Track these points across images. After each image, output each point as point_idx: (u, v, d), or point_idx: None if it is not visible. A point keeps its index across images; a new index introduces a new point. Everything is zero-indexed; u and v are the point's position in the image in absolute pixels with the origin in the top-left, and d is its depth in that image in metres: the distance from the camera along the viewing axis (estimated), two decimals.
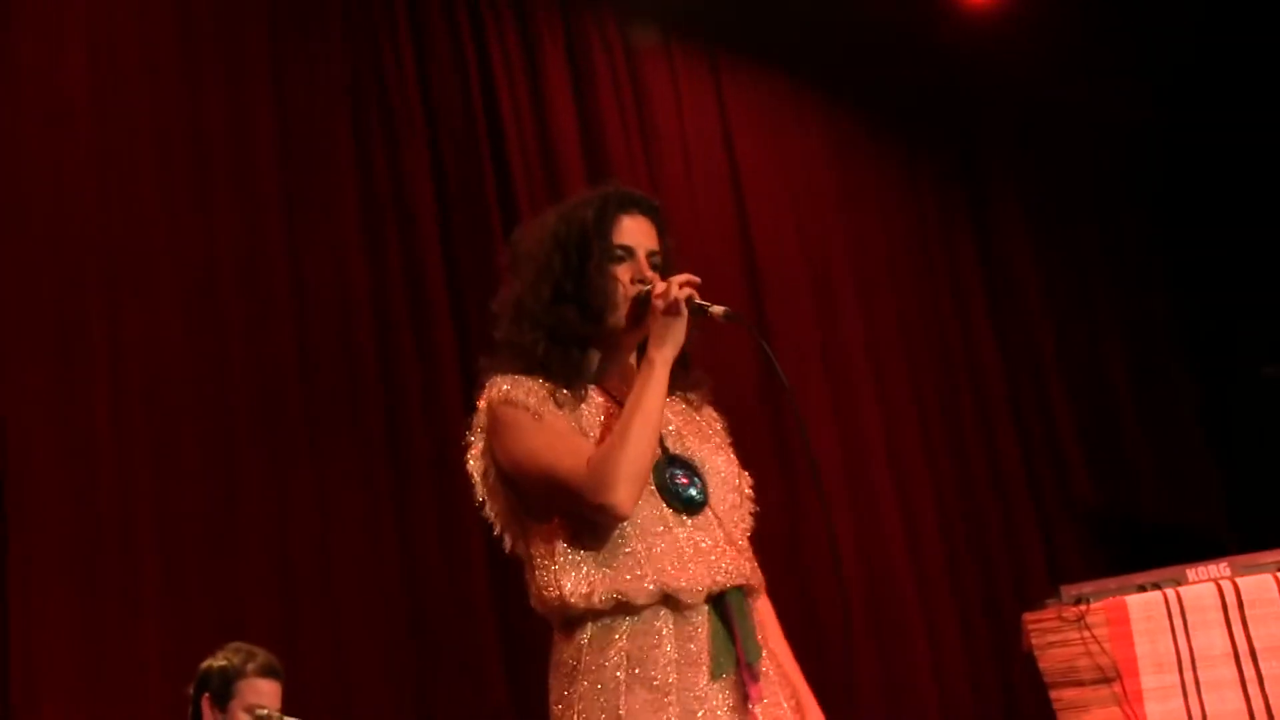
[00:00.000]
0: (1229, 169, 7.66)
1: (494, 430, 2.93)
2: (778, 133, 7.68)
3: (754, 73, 7.70)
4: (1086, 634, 3.78)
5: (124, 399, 6.27)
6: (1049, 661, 3.80)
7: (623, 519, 2.82)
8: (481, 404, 2.99)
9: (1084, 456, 7.73)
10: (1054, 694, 3.79)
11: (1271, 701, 3.66)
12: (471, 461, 3.00)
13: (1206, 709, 3.69)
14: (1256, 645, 3.72)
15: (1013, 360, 7.76)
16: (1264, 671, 3.70)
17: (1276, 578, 3.77)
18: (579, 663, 2.81)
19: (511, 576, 6.72)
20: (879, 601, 7.19)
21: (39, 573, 5.95)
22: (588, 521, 2.84)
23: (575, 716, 2.79)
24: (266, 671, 4.55)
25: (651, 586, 2.80)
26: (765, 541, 7.11)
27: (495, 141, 6.99)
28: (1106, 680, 3.75)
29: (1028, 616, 3.94)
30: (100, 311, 6.30)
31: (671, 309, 2.94)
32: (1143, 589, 3.84)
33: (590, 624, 2.83)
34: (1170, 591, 3.81)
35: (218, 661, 4.57)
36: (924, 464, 7.47)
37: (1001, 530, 7.48)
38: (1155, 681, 3.73)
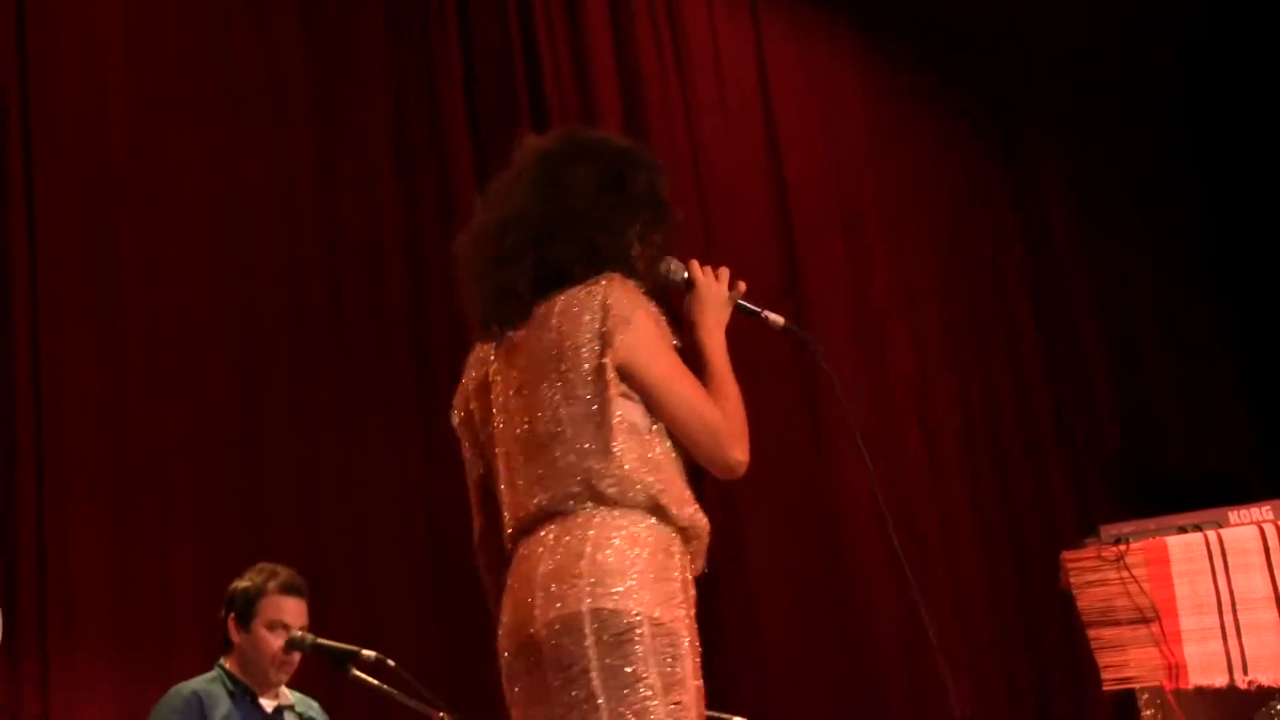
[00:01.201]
0: (1267, 109, 7.58)
1: (637, 330, 2.91)
2: (813, 68, 7.62)
3: (792, 6, 7.63)
4: (1125, 574, 3.76)
5: (157, 327, 6.29)
6: (1087, 601, 3.78)
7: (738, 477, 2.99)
8: (613, 299, 2.92)
9: (1115, 404, 7.69)
10: (1092, 633, 3.78)
11: None
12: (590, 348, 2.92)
13: (1246, 652, 3.68)
14: None
15: (1044, 305, 7.71)
16: None
17: None
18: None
19: None
20: (902, 546, 7.17)
21: (73, 497, 5.98)
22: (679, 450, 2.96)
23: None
24: (289, 589, 4.56)
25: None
26: (795, 491, 7.14)
27: (531, 71, 6.96)
28: (1145, 621, 3.73)
29: (1066, 555, 3.92)
30: (134, 241, 6.33)
31: (729, 301, 3.15)
32: (1183, 530, 3.82)
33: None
34: (1211, 533, 3.79)
35: (243, 582, 4.59)
36: (952, 408, 7.44)
37: (1029, 477, 7.45)
38: (1194, 623, 3.71)
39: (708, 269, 3.13)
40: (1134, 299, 7.76)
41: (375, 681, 4.40)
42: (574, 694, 2.73)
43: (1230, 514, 3.84)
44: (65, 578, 5.86)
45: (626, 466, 2.87)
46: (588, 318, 2.90)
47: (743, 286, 3.17)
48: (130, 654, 5.81)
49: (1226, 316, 7.70)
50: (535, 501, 2.88)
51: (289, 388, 6.46)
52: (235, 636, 4.54)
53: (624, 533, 2.82)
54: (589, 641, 2.72)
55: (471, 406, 3.08)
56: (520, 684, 2.83)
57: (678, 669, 2.75)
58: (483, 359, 3.08)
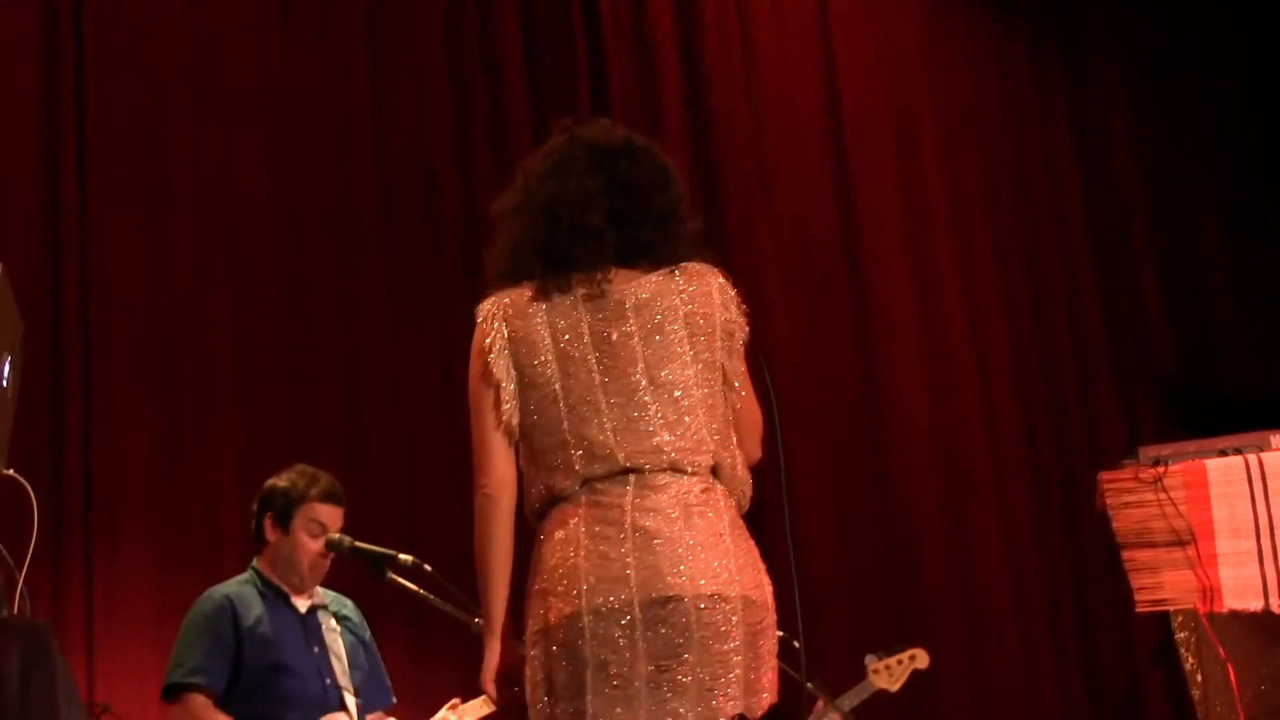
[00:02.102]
0: None
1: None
2: None
3: None
4: (1163, 495, 3.73)
5: (205, 229, 6.34)
6: (1122, 522, 3.76)
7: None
8: (727, 284, 3.20)
9: (1169, 323, 7.59)
10: (1126, 555, 3.75)
11: None
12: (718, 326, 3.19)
13: None
14: None
15: (1100, 222, 7.59)
16: None
17: None
18: None
19: None
20: (949, 462, 7.16)
21: (119, 399, 6.04)
22: None
23: None
24: (328, 497, 4.57)
25: None
26: (843, 416, 7.11)
27: None
28: (1180, 543, 3.70)
29: (1103, 475, 3.89)
30: (184, 143, 6.36)
31: None
32: (1223, 453, 3.78)
33: None
34: (1252, 457, 3.75)
35: (282, 482, 4.58)
36: (1003, 324, 7.36)
37: (1079, 396, 7.37)
38: (1230, 547, 3.68)
39: None
40: (1193, 217, 7.64)
41: (412, 586, 4.41)
42: (720, 663, 2.97)
43: (1272, 438, 3.80)
44: (110, 478, 5.93)
45: (733, 445, 3.14)
46: (717, 298, 3.15)
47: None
48: (173, 555, 5.88)
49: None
50: (662, 452, 3.04)
51: (336, 292, 6.49)
52: (270, 535, 4.55)
53: (735, 515, 3.09)
54: (736, 619, 2.98)
55: (522, 353, 3.15)
56: (648, 633, 2.96)
57: (776, 641, 3.09)
58: (522, 313, 3.16)
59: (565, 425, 3.08)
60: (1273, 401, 6.96)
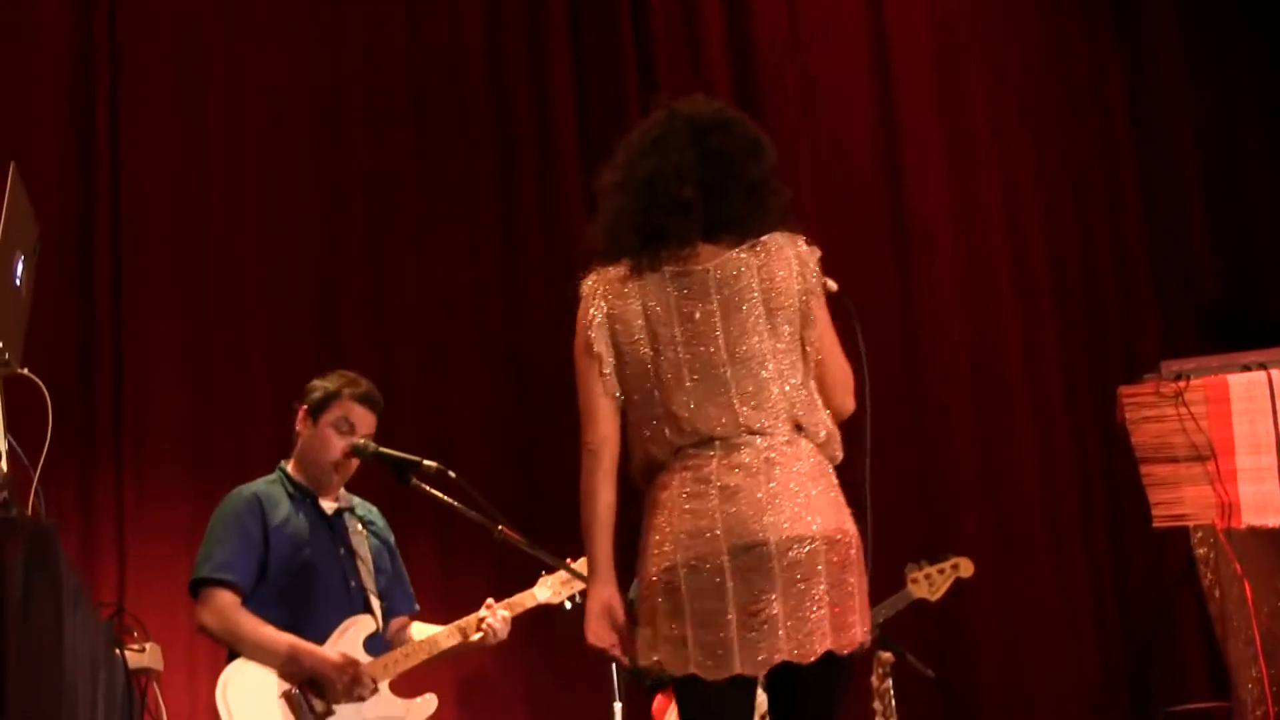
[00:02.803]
0: None
1: (823, 283, 3.38)
2: None
3: None
4: (1183, 410, 3.71)
5: (237, 141, 6.37)
6: (1142, 436, 3.74)
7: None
8: (806, 252, 3.39)
9: (1214, 244, 7.52)
10: (1144, 469, 3.74)
11: None
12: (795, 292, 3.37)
13: None
14: None
15: (1147, 144, 7.49)
16: None
17: None
18: None
19: None
20: (985, 375, 7.14)
21: (150, 309, 6.09)
22: None
23: None
24: (364, 399, 4.60)
25: None
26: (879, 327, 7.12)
27: None
28: (1200, 458, 3.68)
29: (1124, 389, 3.87)
30: (219, 57, 6.39)
31: None
32: (1246, 369, 3.74)
33: None
34: (1276, 372, 3.71)
35: (324, 381, 4.63)
36: (1044, 242, 7.30)
37: (1120, 316, 7.32)
38: (1251, 463, 3.66)
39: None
40: (1240, 137, 7.53)
41: (436, 492, 4.44)
42: (806, 602, 3.19)
43: None
44: (141, 387, 5.99)
45: (819, 401, 3.34)
46: (795, 266, 3.34)
47: (818, 252, 3.44)
48: (203, 465, 5.93)
49: None
50: (739, 420, 3.28)
51: (367, 205, 6.51)
52: (301, 426, 4.59)
53: (825, 467, 3.30)
54: (820, 561, 3.20)
55: (618, 328, 3.38)
56: (735, 579, 3.21)
57: (865, 594, 3.28)
58: (619, 289, 3.38)
59: (657, 398, 3.32)
60: None
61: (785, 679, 3.21)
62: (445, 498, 4.41)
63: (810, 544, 3.19)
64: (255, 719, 4.26)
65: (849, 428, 3.43)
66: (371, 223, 6.51)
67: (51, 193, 5.86)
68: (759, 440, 3.26)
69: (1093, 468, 7.01)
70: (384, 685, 4.44)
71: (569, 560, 4.61)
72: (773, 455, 3.25)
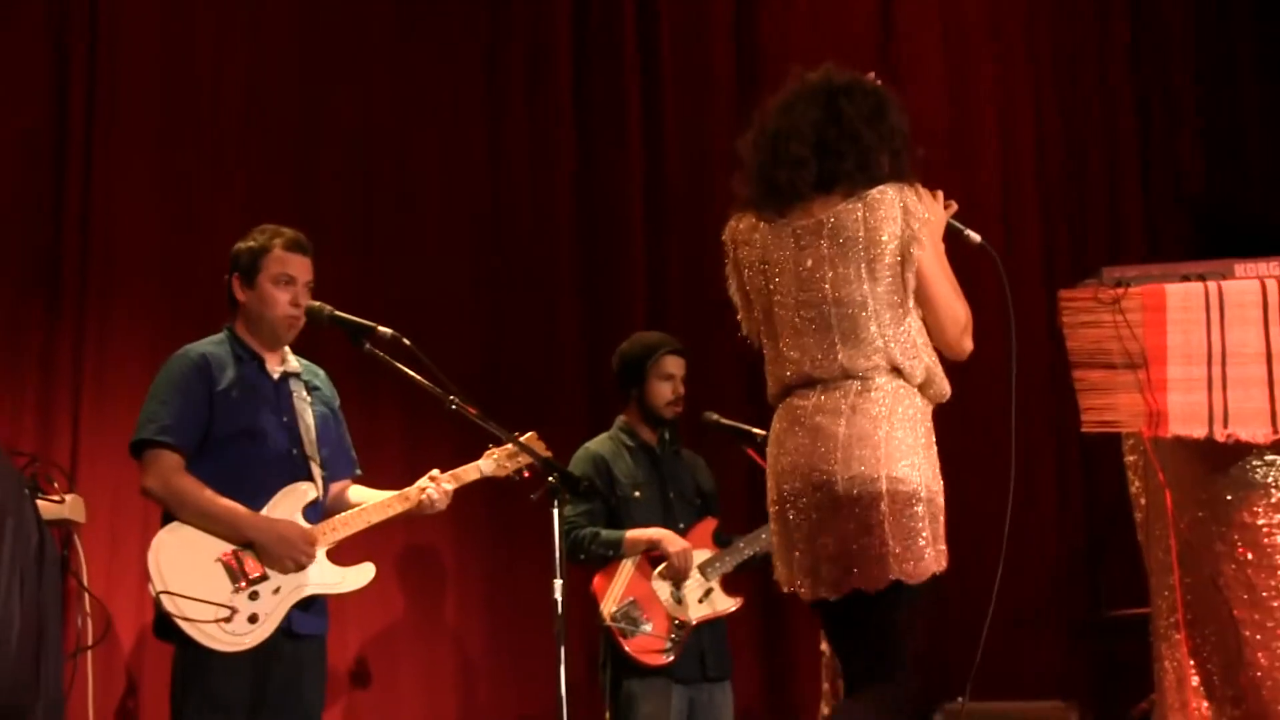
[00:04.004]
0: None
1: (925, 228, 3.58)
2: None
3: None
4: (1119, 318, 3.70)
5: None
6: (1077, 341, 3.73)
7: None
8: (910, 202, 3.59)
9: (1202, 144, 7.47)
10: (1077, 374, 3.74)
11: None
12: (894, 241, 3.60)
13: (1230, 405, 3.62)
14: None
15: (1140, 41, 7.43)
16: None
17: None
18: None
19: (597, 202, 6.79)
20: (962, 271, 7.12)
21: (123, 149, 6.09)
22: None
23: None
24: (295, 246, 4.59)
25: None
26: None
27: None
28: (1133, 366, 3.67)
29: (1063, 293, 3.86)
30: None
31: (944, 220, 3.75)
32: (1185, 279, 3.73)
33: None
34: (1213, 284, 3.69)
35: (245, 242, 4.61)
36: (1033, 135, 7.28)
37: (1105, 209, 7.30)
38: (1182, 373, 3.65)
39: (928, 193, 3.68)
40: (1232, 36, 7.45)
41: (389, 359, 4.44)
42: (867, 539, 3.52)
43: (1237, 266, 3.74)
44: (110, 232, 6.00)
45: (920, 342, 3.59)
46: (895, 214, 3.57)
47: (954, 206, 3.77)
48: (171, 315, 5.94)
49: None
50: (838, 362, 3.61)
51: (347, 67, 6.49)
52: (241, 295, 4.57)
53: (909, 410, 3.56)
54: (884, 503, 3.50)
55: (746, 274, 3.76)
56: (807, 515, 3.61)
57: (938, 527, 3.56)
58: (748, 238, 3.74)
59: (774, 340, 3.71)
60: None
61: (861, 603, 3.56)
62: (399, 365, 4.42)
63: (873, 485, 3.50)
64: (187, 582, 4.27)
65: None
66: (352, 68, 6.50)
67: (25, 24, 5.85)
68: (854, 384, 3.58)
69: (1065, 364, 7.01)
70: (321, 553, 4.47)
71: (517, 434, 4.65)
72: (859, 400, 3.56)
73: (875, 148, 3.62)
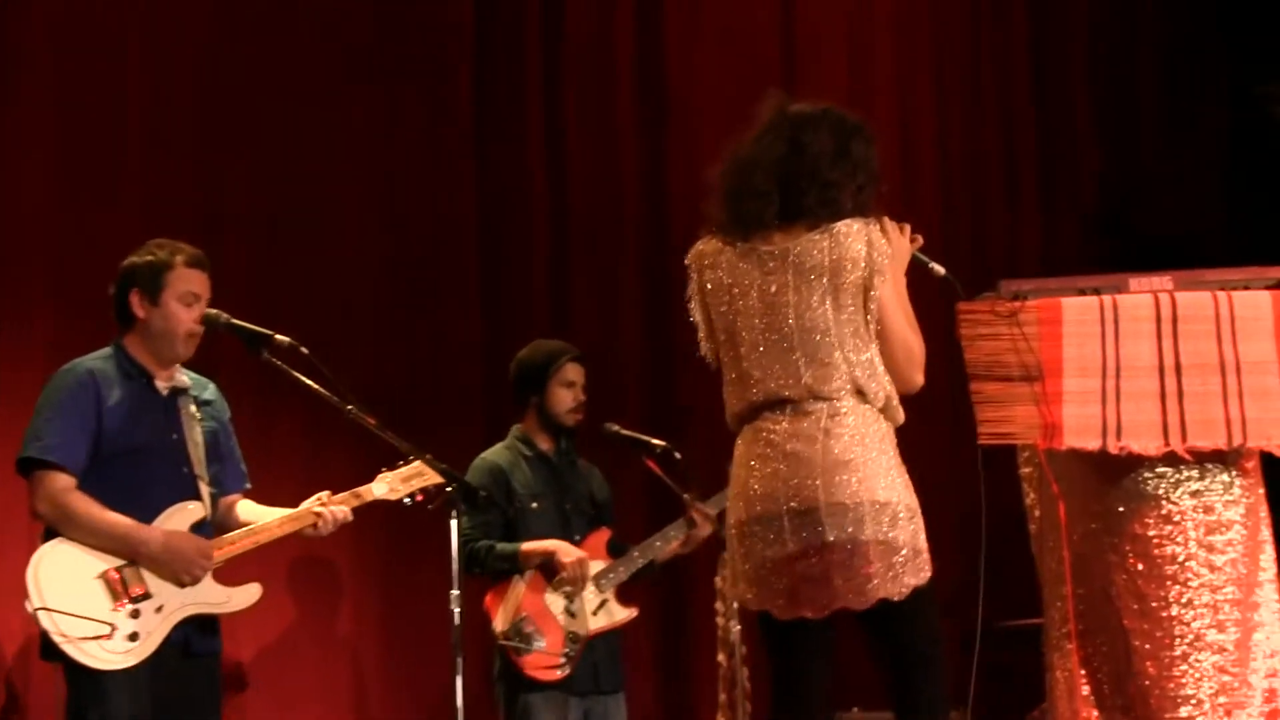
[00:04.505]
0: None
1: (889, 261, 3.70)
2: None
3: None
4: (1017, 331, 3.74)
5: None
6: (975, 353, 3.77)
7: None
8: (876, 235, 3.71)
9: (1099, 156, 7.59)
10: (975, 386, 3.78)
11: (1187, 416, 3.63)
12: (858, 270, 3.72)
13: (1123, 418, 3.67)
14: (1183, 361, 3.67)
15: (1041, 50, 7.55)
16: (1185, 387, 3.66)
17: (1215, 296, 3.69)
18: None
19: (502, 200, 6.72)
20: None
21: (19, 155, 5.99)
22: None
23: None
24: (197, 262, 4.50)
25: None
26: None
27: None
28: (1029, 379, 3.72)
29: (961, 306, 3.90)
30: None
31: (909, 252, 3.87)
32: (1081, 292, 3.78)
33: None
34: (1108, 298, 3.75)
35: (144, 256, 4.50)
36: (934, 140, 7.36)
37: (1004, 219, 7.40)
38: (1077, 385, 3.70)
39: (895, 225, 3.81)
40: (1136, 55, 7.59)
41: (288, 369, 4.40)
42: (853, 560, 3.63)
43: (1131, 280, 3.80)
44: (7, 235, 5.91)
45: (880, 369, 3.68)
46: (859, 248, 3.68)
47: (920, 240, 3.88)
48: (63, 330, 5.83)
49: (1221, 80, 7.52)
50: (804, 383, 3.71)
51: (249, 52, 6.44)
52: (140, 311, 4.45)
53: (878, 431, 3.68)
54: (869, 525, 3.61)
55: (710, 297, 3.86)
56: (784, 539, 3.69)
57: (919, 537, 3.66)
58: (714, 261, 3.84)
59: (739, 363, 3.78)
60: (1189, 240, 6.98)
61: (848, 621, 3.73)
62: (296, 374, 4.38)
63: (856, 510, 3.62)
64: (68, 599, 4.18)
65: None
66: (263, 76, 6.44)
67: None
68: (823, 406, 3.69)
69: (960, 376, 7.08)
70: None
71: (411, 459, 4.63)
72: (832, 424, 3.68)
73: (837, 184, 3.76)
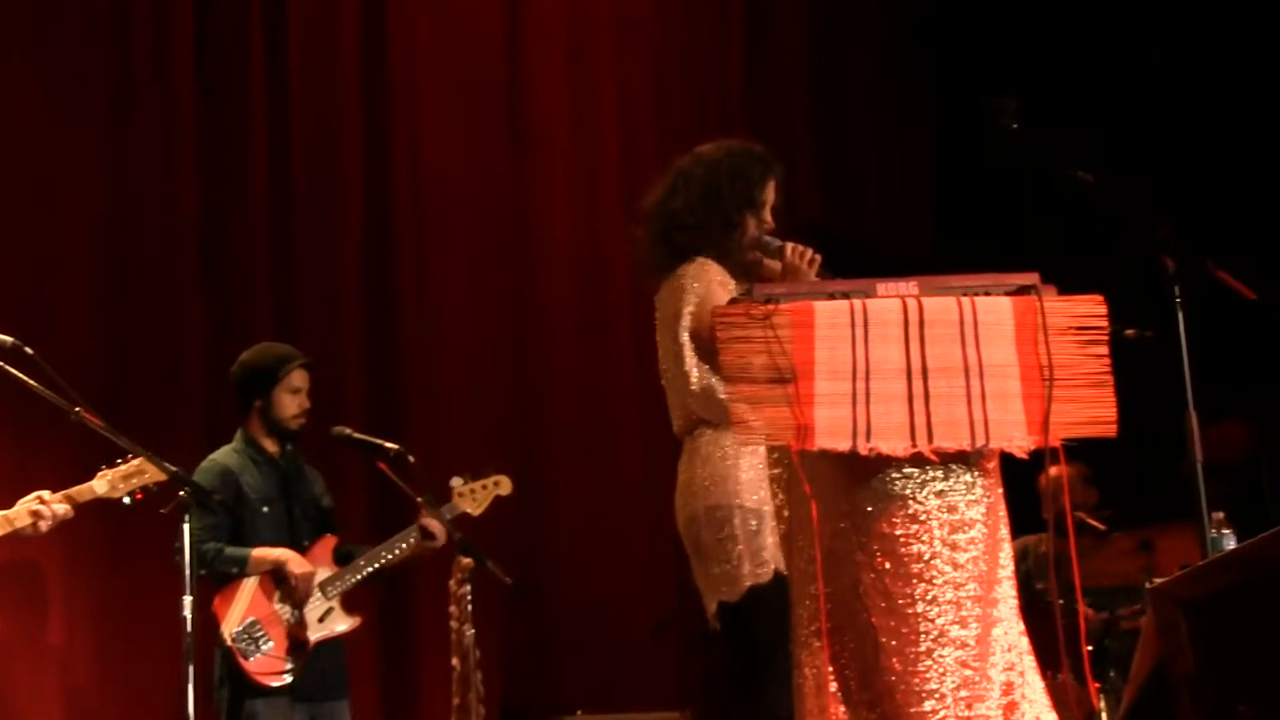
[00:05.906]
0: None
1: (695, 303, 4.33)
2: None
3: None
4: (770, 334, 3.78)
5: None
6: (730, 356, 3.80)
7: None
8: (687, 280, 4.35)
9: (819, 177, 7.78)
10: (729, 388, 3.81)
11: (933, 418, 3.74)
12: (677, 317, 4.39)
13: (872, 420, 3.75)
14: (930, 364, 3.77)
15: (757, 65, 7.72)
16: (931, 389, 3.76)
17: (959, 301, 3.81)
18: None
19: (220, 206, 6.58)
20: (592, 289, 7.24)
21: None
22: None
23: None
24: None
25: None
26: (489, 223, 7.05)
27: None
28: (782, 381, 3.76)
29: (716, 310, 3.95)
30: None
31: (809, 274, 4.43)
32: (832, 296, 3.86)
33: None
34: (858, 302, 3.83)
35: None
36: (655, 149, 7.46)
37: None
38: (829, 388, 3.76)
39: (798, 248, 4.42)
40: (846, 76, 7.81)
41: (11, 369, 4.28)
42: (699, 569, 4.45)
43: (879, 286, 3.89)
44: None
45: (719, 397, 4.11)
46: (679, 291, 4.36)
47: (818, 260, 4.44)
48: None
49: (926, 102, 7.81)
50: (676, 422, 4.56)
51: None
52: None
53: (717, 452, 4.37)
54: (703, 534, 4.42)
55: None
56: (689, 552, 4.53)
57: (754, 546, 4.38)
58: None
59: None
60: (899, 251, 7.23)
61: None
62: (20, 375, 4.26)
63: (693, 523, 4.43)
64: None
65: None
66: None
67: None
68: (687, 439, 4.49)
69: None
70: None
71: (131, 457, 4.53)
72: (688, 454, 4.47)
73: (705, 225, 4.32)
